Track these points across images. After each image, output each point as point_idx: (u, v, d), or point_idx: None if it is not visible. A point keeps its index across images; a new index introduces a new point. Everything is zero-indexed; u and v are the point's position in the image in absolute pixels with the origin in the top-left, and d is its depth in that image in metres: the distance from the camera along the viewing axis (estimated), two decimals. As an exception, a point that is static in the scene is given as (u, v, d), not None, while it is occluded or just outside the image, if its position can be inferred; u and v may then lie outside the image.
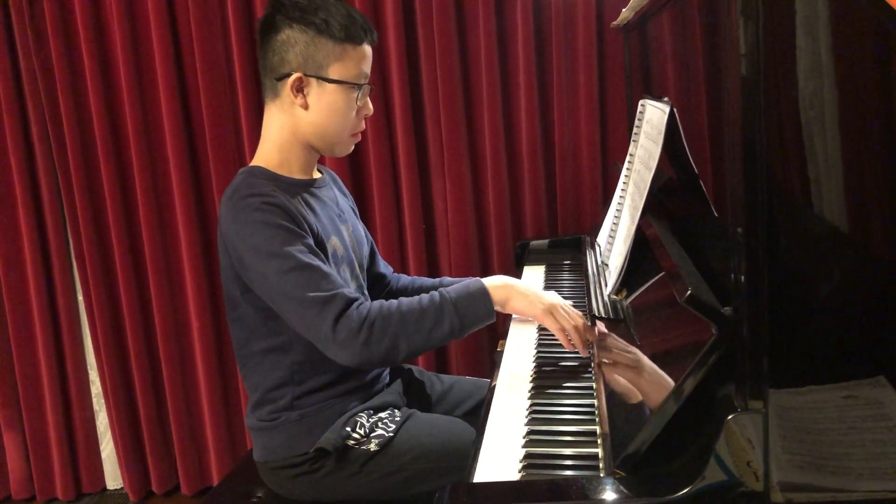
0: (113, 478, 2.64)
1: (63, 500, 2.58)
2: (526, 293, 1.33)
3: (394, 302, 1.28)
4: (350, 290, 1.28)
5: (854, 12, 0.79)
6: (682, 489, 0.82)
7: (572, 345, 1.32)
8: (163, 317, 2.39)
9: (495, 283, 1.33)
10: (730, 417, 0.81)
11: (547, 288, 1.82)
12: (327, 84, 1.34)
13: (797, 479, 0.82)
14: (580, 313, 1.36)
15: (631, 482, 0.87)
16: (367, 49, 1.37)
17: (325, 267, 1.27)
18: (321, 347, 1.26)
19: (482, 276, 2.21)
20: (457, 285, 1.33)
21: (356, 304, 1.25)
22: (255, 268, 1.28)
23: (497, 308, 1.32)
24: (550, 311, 1.32)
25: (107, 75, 2.29)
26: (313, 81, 1.34)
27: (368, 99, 1.41)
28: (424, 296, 1.30)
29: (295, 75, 1.33)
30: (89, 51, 2.25)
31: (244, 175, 1.36)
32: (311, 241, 1.29)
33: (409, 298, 1.30)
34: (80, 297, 2.48)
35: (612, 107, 2.16)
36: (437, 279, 1.68)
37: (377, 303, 1.27)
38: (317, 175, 1.48)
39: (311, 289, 1.23)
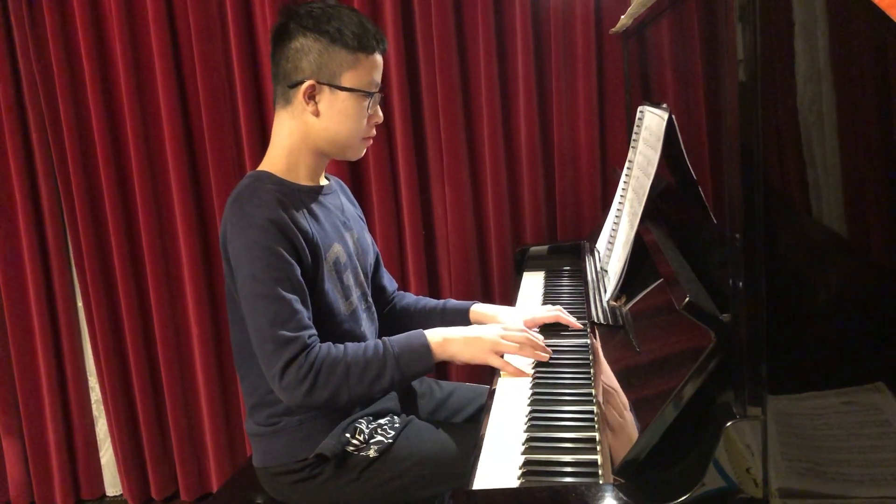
0: (112, 484, 2.63)
1: (62, 506, 2.57)
2: (466, 342, 1.36)
3: (341, 349, 1.31)
4: (310, 331, 1.29)
5: (851, 18, 0.79)
6: (682, 496, 0.81)
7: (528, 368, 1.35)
8: (162, 323, 2.39)
9: (436, 339, 1.35)
10: (729, 424, 0.81)
11: (546, 294, 1.82)
12: (340, 92, 1.35)
13: (796, 486, 0.82)
14: (522, 331, 1.38)
15: (630, 489, 0.87)
16: (379, 58, 1.39)
17: (297, 303, 1.28)
18: (268, 380, 1.31)
19: (482, 283, 2.24)
20: (401, 338, 1.36)
21: (307, 350, 1.27)
22: (238, 279, 1.31)
23: (443, 361, 1.36)
24: (493, 349, 1.36)
25: (106, 81, 2.30)
26: (326, 89, 1.35)
27: (378, 106, 1.42)
28: (370, 346, 1.33)
29: (308, 83, 1.34)
30: (89, 56, 2.25)
31: (250, 179, 1.37)
32: (297, 271, 1.30)
33: (356, 347, 1.32)
34: (80, 304, 2.48)
35: (610, 113, 2.16)
36: (442, 301, 1.67)
37: (325, 348, 1.30)
38: (324, 182, 1.49)
39: (276, 324, 1.26)
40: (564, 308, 1.62)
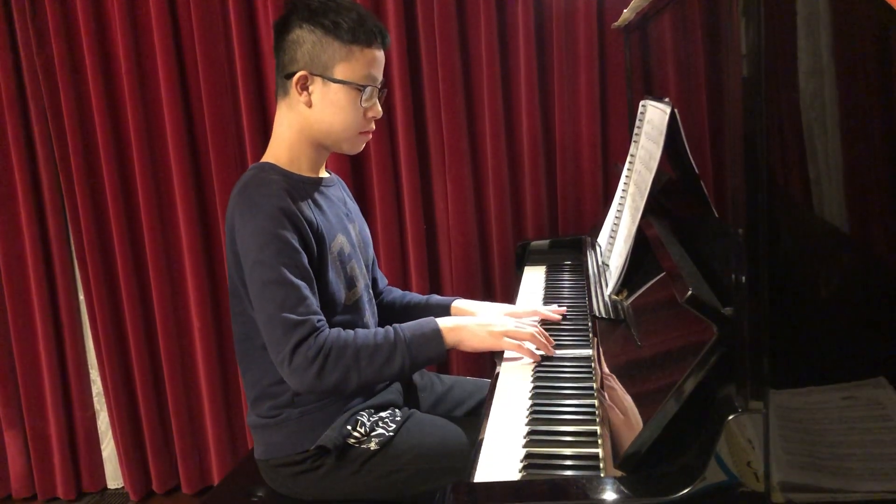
0: (114, 477, 2.64)
1: (64, 499, 2.58)
2: (476, 331, 1.36)
3: (350, 333, 1.31)
4: (319, 316, 1.30)
5: (855, 12, 0.79)
6: (683, 489, 0.82)
7: (538, 352, 1.36)
8: (164, 316, 2.40)
9: (448, 325, 1.36)
10: (730, 418, 0.81)
11: (547, 289, 1.82)
12: (332, 84, 1.35)
13: (797, 480, 0.82)
14: (531, 323, 1.41)
15: (631, 482, 0.87)
16: (377, 52, 1.39)
17: (305, 289, 1.29)
18: (277, 366, 1.30)
19: (483, 277, 2.24)
20: (412, 324, 1.36)
21: (316, 332, 1.28)
22: (245, 267, 1.32)
23: (452, 347, 1.36)
24: (503, 336, 1.36)
25: (108, 74, 2.30)
26: (318, 80, 1.35)
27: (377, 101, 1.42)
28: (380, 331, 1.33)
29: (300, 73, 1.35)
30: (91, 49, 2.25)
31: (256, 170, 1.38)
32: (304, 259, 1.30)
33: (366, 332, 1.33)
34: (82, 296, 2.49)
35: (612, 107, 2.16)
36: (426, 296, 1.68)
37: (335, 332, 1.30)
38: (325, 174, 1.49)
39: (285, 308, 1.26)
40: (565, 303, 1.63)
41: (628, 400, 1.04)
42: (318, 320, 1.29)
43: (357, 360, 1.29)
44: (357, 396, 1.40)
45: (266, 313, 1.28)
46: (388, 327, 1.35)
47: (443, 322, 1.36)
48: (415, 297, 1.70)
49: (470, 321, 1.38)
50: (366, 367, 1.29)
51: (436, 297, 1.68)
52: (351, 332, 1.32)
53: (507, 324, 1.38)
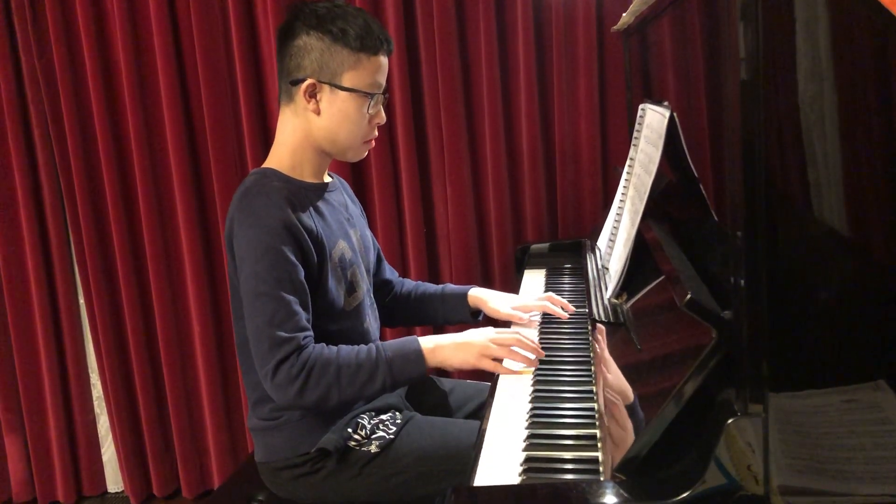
0: (114, 481, 2.64)
1: (64, 503, 2.58)
2: (456, 349, 1.35)
3: (334, 350, 1.31)
4: (306, 333, 1.30)
5: (853, 16, 0.79)
6: (683, 493, 0.82)
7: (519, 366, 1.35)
8: (164, 320, 2.40)
9: (428, 346, 1.34)
10: (730, 421, 0.81)
11: (547, 291, 1.81)
12: (340, 91, 1.35)
13: (797, 483, 0.82)
14: (513, 333, 1.37)
15: (631, 486, 0.87)
16: (383, 59, 1.38)
17: (296, 304, 1.29)
18: (260, 378, 1.31)
19: (483, 280, 2.25)
20: (394, 343, 1.35)
21: (300, 350, 1.28)
22: (241, 276, 1.32)
23: (436, 367, 1.35)
24: (483, 353, 1.35)
25: (108, 78, 2.30)
26: (326, 88, 1.35)
27: (381, 108, 1.42)
28: (363, 349, 1.33)
29: (308, 81, 1.34)
30: (91, 53, 2.26)
31: (257, 176, 1.37)
32: (300, 273, 1.30)
33: (349, 349, 1.32)
34: (82, 300, 2.49)
35: (612, 111, 2.16)
36: (440, 286, 1.69)
37: (318, 349, 1.30)
38: (327, 179, 1.49)
39: (273, 323, 1.27)
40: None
41: (628, 403, 1.04)
42: (305, 337, 1.29)
43: (338, 379, 1.28)
44: (340, 410, 1.40)
45: (255, 325, 1.29)
46: (372, 345, 1.34)
47: (424, 343, 1.35)
48: (429, 287, 1.70)
49: (449, 341, 1.36)
50: (347, 385, 1.29)
51: (451, 287, 1.68)
52: (335, 349, 1.32)
53: (485, 341, 1.36)
